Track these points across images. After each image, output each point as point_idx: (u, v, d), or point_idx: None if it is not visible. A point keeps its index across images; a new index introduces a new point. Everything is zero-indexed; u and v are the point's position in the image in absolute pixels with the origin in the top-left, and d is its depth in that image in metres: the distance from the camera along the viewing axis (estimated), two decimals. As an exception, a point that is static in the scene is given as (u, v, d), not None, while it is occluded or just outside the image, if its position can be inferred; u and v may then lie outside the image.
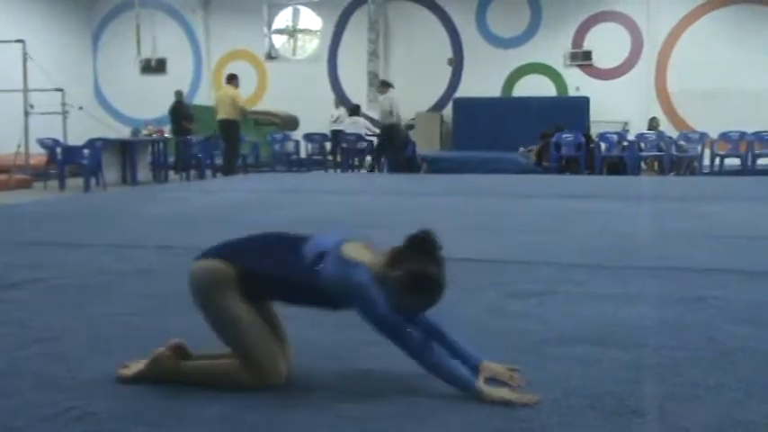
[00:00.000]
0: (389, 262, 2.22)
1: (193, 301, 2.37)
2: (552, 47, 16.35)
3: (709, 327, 2.96)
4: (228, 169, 12.50)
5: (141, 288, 3.87)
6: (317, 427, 2.01)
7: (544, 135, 13.52)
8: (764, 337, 2.80)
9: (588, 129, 14.53)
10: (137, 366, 2.43)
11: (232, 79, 12.57)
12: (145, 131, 13.60)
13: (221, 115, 12.17)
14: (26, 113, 12.34)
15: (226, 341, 2.33)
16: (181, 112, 14.06)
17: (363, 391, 2.30)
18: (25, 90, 12.43)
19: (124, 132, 14.78)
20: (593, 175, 12.93)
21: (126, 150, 12.41)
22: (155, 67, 17.63)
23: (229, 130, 12.20)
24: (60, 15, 17.40)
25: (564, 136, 13.31)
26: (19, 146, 12.18)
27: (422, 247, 2.22)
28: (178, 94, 14.39)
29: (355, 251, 2.28)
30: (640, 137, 13.82)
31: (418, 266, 2.18)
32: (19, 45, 12.42)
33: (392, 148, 12.93)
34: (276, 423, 2.05)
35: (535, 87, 16.41)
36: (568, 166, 13.49)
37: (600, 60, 16.24)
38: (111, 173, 11.92)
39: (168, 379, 2.34)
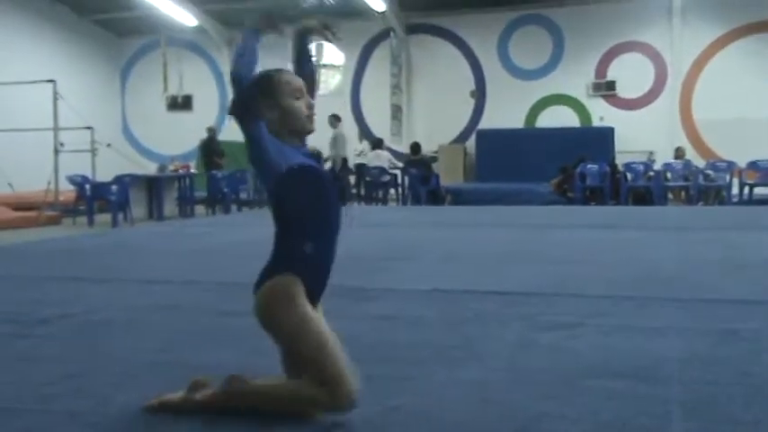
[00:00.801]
0: None
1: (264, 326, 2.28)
2: (575, 77, 16.37)
3: (742, 360, 2.90)
4: None
5: (168, 323, 3.88)
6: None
7: (564, 168, 13.48)
8: (800, 370, 2.74)
9: (614, 158, 14.47)
10: (170, 397, 2.43)
11: None
12: (171, 167, 13.77)
13: None
14: (56, 151, 12.57)
15: (305, 361, 2.21)
16: (212, 148, 14.26)
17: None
18: (56, 129, 12.67)
19: (151, 168, 14.98)
20: (618, 205, 12.83)
21: (153, 186, 12.56)
22: (181, 103, 17.92)
23: None
24: (89, 55, 17.80)
25: (588, 166, 13.26)
26: (49, 183, 12.38)
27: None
28: (210, 130, 14.62)
29: None
30: (667, 166, 13.72)
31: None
32: (50, 85, 12.70)
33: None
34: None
35: (558, 118, 16.41)
36: (593, 196, 13.42)
37: (624, 90, 16.22)
38: (138, 208, 12.06)
39: (210, 409, 2.31)
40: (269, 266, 2.27)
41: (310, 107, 2.32)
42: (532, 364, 2.93)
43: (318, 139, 15.49)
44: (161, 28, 17.14)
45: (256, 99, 2.22)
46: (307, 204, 2.24)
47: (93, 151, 13.09)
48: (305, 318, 2.20)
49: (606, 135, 15.61)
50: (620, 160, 14.43)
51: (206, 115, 17.18)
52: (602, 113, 16.31)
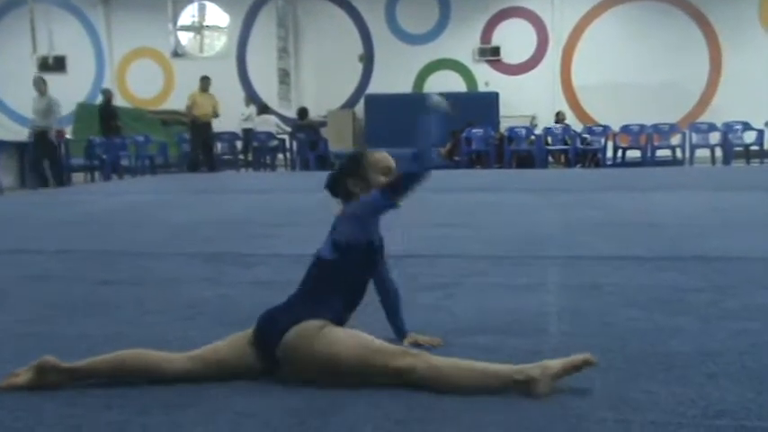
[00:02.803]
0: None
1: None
2: (462, 43, 16.61)
3: (604, 312, 3.07)
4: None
5: (37, 294, 3.71)
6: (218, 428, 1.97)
7: (454, 132, 13.74)
8: (652, 319, 2.93)
9: (498, 124, 14.84)
10: (26, 375, 2.32)
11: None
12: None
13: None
14: None
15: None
16: (109, 112, 13.68)
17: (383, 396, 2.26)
18: None
19: (22, 134, 14.13)
20: (502, 169, 13.22)
21: (25, 153, 11.88)
22: (53, 65, 16.92)
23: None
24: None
25: (474, 131, 13.56)
26: None
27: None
28: (106, 92, 14.05)
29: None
30: (547, 131, 14.22)
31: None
32: None
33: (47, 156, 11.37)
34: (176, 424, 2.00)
35: (446, 83, 16.63)
36: (478, 160, 13.76)
37: (508, 56, 16.61)
38: (8, 177, 11.37)
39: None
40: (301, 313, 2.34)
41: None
42: (410, 323, 2.99)
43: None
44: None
45: (344, 177, 2.50)
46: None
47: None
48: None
49: (491, 100, 15.98)
50: (504, 125, 14.83)
51: (82, 78, 16.34)
52: (487, 79, 16.66)
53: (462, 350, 2.58)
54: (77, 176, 12.81)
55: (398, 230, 5.60)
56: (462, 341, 2.70)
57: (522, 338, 2.71)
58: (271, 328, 2.31)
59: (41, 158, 11.29)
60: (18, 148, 11.93)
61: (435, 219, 6.24)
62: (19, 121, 16.62)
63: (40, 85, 11.70)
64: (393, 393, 2.17)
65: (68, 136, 13.15)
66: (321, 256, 2.47)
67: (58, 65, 17.02)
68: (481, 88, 16.71)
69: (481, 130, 13.63)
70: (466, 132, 13.58)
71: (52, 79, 16.75)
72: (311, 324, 2.25)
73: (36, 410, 2.14)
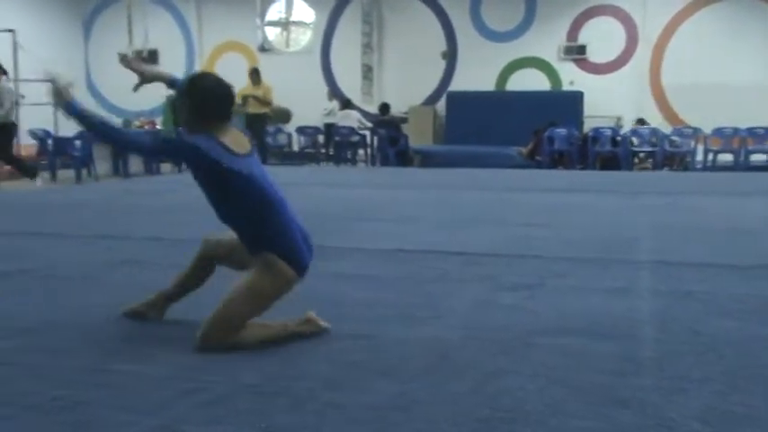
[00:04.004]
0: None
1: None
2: (547, 41, 16.32)
3: (694, 320, 2.97)
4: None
5: (128, 279, 3.85)
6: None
7: (537, 131, 13.54)
8: (747, 329, 2.81)
9: (582, 124, 14.54)
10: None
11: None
12: (137, 123, 13.55)
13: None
14: (16, 104, 12.26)
15: None
16: None
17: (347, 380, 2.29)
18: (16, 80, 12.34)
19: (116, 123, 14.70)
20: (585, 170, 12.94)
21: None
22: (146, 58, 17.52)
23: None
24: (52, 5, 17.28)
25: (557, 130, 13.32)
26: (10, 137, 12.10)
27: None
28: None
29: None
30: (633, 132, 13.83)
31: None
32: (10, 35, 12.33)
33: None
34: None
35: (529, 81, 16.38)
36: (561, 160, 13.51)
37: (594, 54, 16.22)
38: (102, 164, 11.86)
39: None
40: None
41: None
42: (491, 323, 2.96)
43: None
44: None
45: None
46: None
47: (56, 104, 12.79)
48: None
49: (576, 99, 15.64)
50: (588, 125, 14.50)
51: (172, 70, 16.71)
52: (572, 77, 16.32)
53: (545, 351, 2.55)
54: (165, 166, 13.25)
55: (480, 230, 5.58)
56: (545, 342, 2.67)
57: (609, 343, 2.65)
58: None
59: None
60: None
61: (517, 219, 6.16)
62: (113, 111, 17.31)
63: None
64: (474, 390, 2.16)
65: (158, 127, 13.60)
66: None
67: (151, 58, 17.61)
68: (566, 87, 16.38)
69: (564, 130, 13.37)
70: (548, 132, 13.35)
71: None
72: None
73: (127, 388, 2.22)
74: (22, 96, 12.34)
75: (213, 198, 2.66)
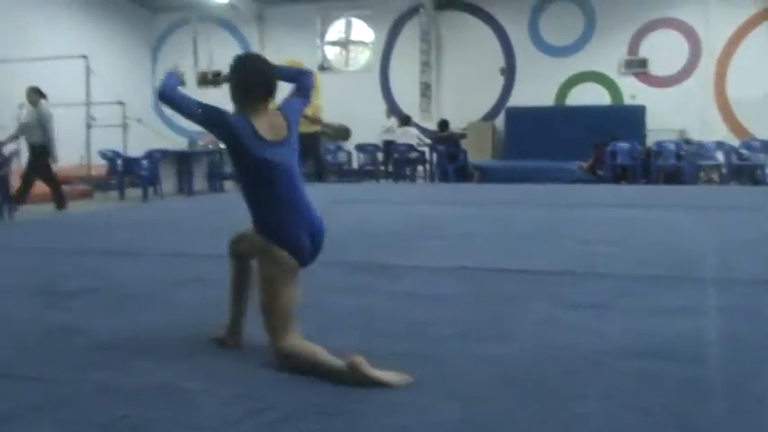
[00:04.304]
0: None
1: None
2: (607, 55, 16.10)
3: (771, 341, 2.87)
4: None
5: (195, 297, 3.93)
6: None
7: (597, 146, 13.33)
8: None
9: (644, 138, 14.26)
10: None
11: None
12: (201, 143, 13.86)
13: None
14: (88, 126, 12.69)
15: None
16: None
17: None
18: (88, 104, 12.78)
19: (181, 144, 15.07)
20: (649, 184, 12.68)
21: (183, 161, 12.67)
22: (211, 79, 17.94)
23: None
24: (121, 31, 17.89)
25: (619, 145, 13.10)
26: (82, 157, 12.54)
27: None
28: None
29: None
30: (699, 145, 13.49)
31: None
32: (82, 60, 12.80)
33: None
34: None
35: (589, 96, 16.18)
36: (624, 175, 13.27)
37: (656, 68, 15.92)
38: (168, 183, 12.17)
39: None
40: None
41: None
42: (558, 344, 2.92)
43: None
44: (193, 4, 17.15)
45: None
46: None
47: (125, 126, 13.22)
48: None
49: (637, 113, 15.37)
50: (651, 139, 14.22)
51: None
52: (633, 91, 16.03)
53: (614, 373, 2.49)
54: (228, 184, 13.51)
55: (543, 247, 5.51)
56: (615, 365, 2.61)
57: (679, 364, 2.58)
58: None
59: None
60: (177, 156, 12.73)
61: (581, 235, 6.06)
62: (178, 131, 17.76)
63: (32, 97, 9.60)
64: (544, 415, 2.13)
65: (222, 146, 13.86)
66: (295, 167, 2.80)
67: (215, 79, 18.03)
68: (627, 101, 16.11)
69: (627, 144, 13.14)
70: (610, 146, 13.14)
71: (209, 93, 17.83)
72: None
73: (193, 406, 2.26)
74: (94, 119, 12.78)
75: (236, 176, 2.90)
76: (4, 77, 12.80)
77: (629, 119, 15.12)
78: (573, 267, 4.57)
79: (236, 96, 2.82)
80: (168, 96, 2.82)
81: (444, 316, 3.39)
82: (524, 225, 6.85)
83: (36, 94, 9.59)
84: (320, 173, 13.43)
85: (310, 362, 2.51)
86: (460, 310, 3.51)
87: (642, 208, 8.10)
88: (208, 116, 2.78)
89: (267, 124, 2.74)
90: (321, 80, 17.43)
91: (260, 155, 2.67)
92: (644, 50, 16.00)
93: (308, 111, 12.59)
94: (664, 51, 15.75)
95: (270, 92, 2.81)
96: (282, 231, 2.68)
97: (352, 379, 2.38)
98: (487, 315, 3.41)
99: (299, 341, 2.62)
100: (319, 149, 13.56)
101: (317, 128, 13.02)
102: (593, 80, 16.36)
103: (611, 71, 16.20)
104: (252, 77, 2.79)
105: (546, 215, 7.59)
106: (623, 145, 13.08)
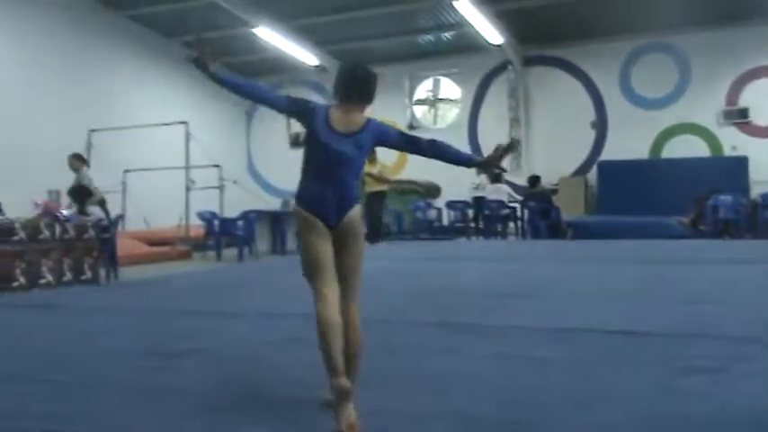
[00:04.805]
0: None
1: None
2: (703, 105, 15.67)
3: None
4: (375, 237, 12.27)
5: (295, 358, 3.93)
6: None
7: (699, 200, 12.84)
8: None
9: (748, 190, 13.67)
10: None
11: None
12: (293, 202, 14.19)
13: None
14: (188, 189, 13.22)
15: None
16: None
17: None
18: (187, 167, 13.35)
19: (274, 204, 15.47)
20: (755, 239, 12.07)
21: (276, 221, 12.97)
22: (303, 141, 18.44)
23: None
24: (218, 97, 18.68)
25: (722, 198, 12.58)
26: (181, 219, 13.02)
27: None
28: None
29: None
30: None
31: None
32: (182, 126, 13.42)
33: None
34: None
35: (686, 148, 15.71)
36: (727, 229, 12.70)
37: (758, 117, 15.35)
38: (262, 243, 12.46)
39: None
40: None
41: None
42: (672, 413, 2.75)
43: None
44: (284, 69, 17.81)
45: None
46: None
47: (221, 188, 13.70)
48: None
49: (740, 165, 14.80)
50: (756, 191, 13.62)
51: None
52: (734, 142, 15.48)
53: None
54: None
55: (646, 306, 5.28)
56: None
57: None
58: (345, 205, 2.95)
59: None
60: (271, 216, 13.05)
61: (687, 294, 5.79)
62: (272, 192, 18.26)
63: (74, 163, 9.39)
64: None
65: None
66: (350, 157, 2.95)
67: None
68: (727, 152, 15.55)
69: (730, 197, 12.61)
70: (712, 200, 12.64)
71: (301, 154, 18.31)
72: (358, 209, 3.00)
73: None
74: (193, 182, 13.32)
75: (303, 160, 3.03)
76: (112, 145, 13.52)
77: (731, 171, 14.58)
78: (680, 328, 4.35)
79: (334, 90, 3.06)
80: (243, 93, 3.10)
81: (547, 380, 3.27)
82: (623, 283, 6.60)
83: (77, 161, 9.42)
84: (375, 234, 12.28)
85: (320, 336, 2.82)
86: (564, 374, 3.37)
87: (750, 264, 7.69)
88: (294, 104, 3.07)
89: (344, 119, 2.96)
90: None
91: (324, 140, 2.92)
92: (744, 100, 15.49)
93: (374, 169, 12.38)
94: (765, 100, 15.20)
95: (356, 95, 3.01)
96: (311, 198, 2.95)
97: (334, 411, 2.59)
98: (591, 379, 3.26)
99: (324, 303, 2.94)
100: (378, 209, 12.56)
101: (382, 187, 12.42)
102: (690, 132, 15.91)
103: (710, 122, 15.74)
104: (342, 78, 3.04)
105: (646, 273, 7.29)
106: (726, 198, 12.57)
